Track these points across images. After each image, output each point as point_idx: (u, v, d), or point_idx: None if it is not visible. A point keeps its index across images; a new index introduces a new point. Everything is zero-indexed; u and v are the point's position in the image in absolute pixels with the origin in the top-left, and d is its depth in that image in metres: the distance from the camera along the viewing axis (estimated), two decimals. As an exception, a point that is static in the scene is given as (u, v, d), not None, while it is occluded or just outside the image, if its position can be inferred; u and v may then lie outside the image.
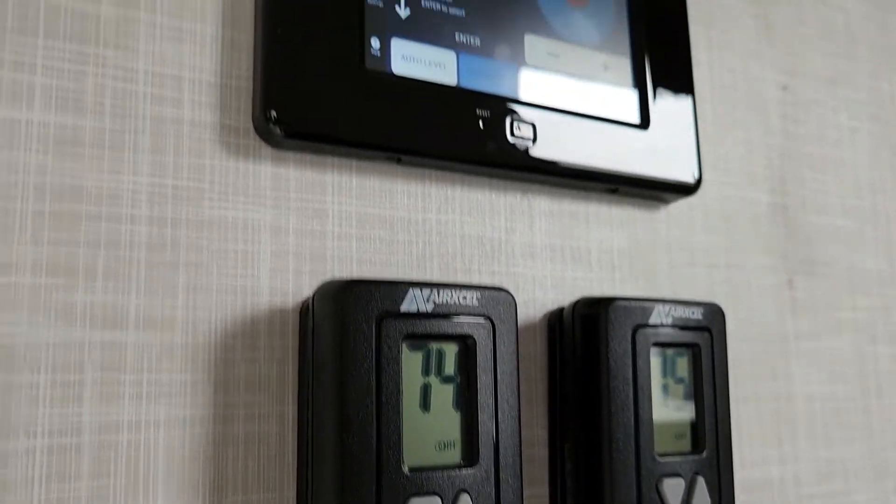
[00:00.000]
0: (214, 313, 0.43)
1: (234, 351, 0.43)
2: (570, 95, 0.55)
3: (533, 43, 0.54)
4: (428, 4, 0.50)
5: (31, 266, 0.39)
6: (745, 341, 0.63)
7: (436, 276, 0.49)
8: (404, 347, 0.41)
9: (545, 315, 0.53)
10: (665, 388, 0.51)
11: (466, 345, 0.43)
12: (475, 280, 0.51)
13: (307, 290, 0.45)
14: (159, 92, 0.43)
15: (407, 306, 0.41)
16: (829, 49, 0.75)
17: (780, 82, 0.70)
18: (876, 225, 0.74)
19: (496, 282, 0.52)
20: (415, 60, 0.49)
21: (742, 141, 0.66)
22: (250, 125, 0.45)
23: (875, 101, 0.77)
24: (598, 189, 0.56)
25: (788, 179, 0.69)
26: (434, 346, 0.42)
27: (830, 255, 0.70)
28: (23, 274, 0.38)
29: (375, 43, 0.48)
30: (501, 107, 0.51)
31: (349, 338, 0.40)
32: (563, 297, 0.54)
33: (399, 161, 0.49)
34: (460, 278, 0.50)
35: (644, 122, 0.57)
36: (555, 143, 0.52)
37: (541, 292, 0.53)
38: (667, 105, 0.59)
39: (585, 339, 0.50)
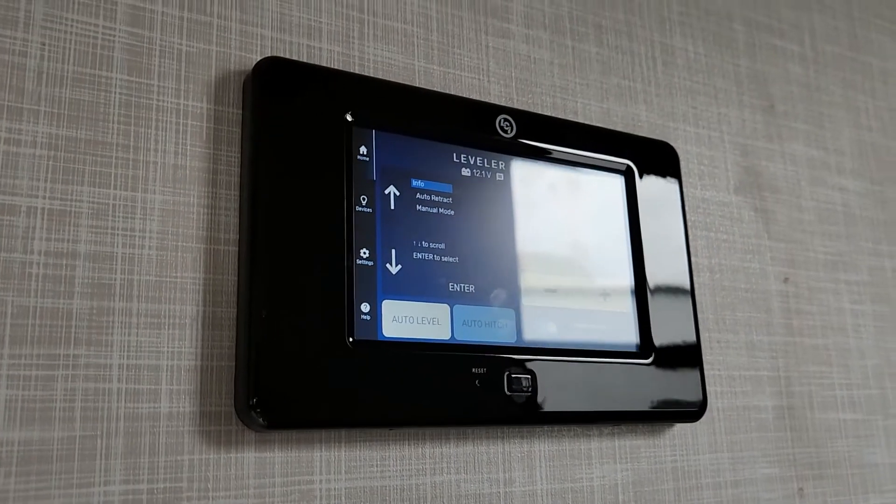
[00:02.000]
0: None
1: None
2: (568, 333, 0.52)
3: (528, 281, 0.52)
4: (420, 255, 0.48)
5: None
6: (756, 565, 0.59)
7: (431, 549, 0.46)
8: None
9: (547, 571, 0.50)
10: None
11: None
12: (473, 546, 0.48)
13: (293, 588, 0.42)
14: (134, 387, 0.40)
15: None
16: (829, 231, 0.73)
17: (782, 274, 0.68)
18: (886, 414, 0.71)
19: (495, 543, 0.48)
20: (407, 320, 0.46)
21: (745, 345, 0.64)
22: (232, 409, 0.42)
23: (877, 280, 0.75)
24: (600, 426, 0.54)
25: (793, 378, 0.66)
26: None
27: (839, 453, 0.67)
28: None
29: (365, 307, 0.45)
30: (498, 360, 0.48)
31: None
32: (566, 549, 0.51)
33: (391, 429, 0.46)
34: (457, 547, 0.47)
35: (646, 351, 0.55)
36: (554, 389, 0.50)
37: (542, 547, 0.50)
38: (668, 329, 0.56)
39: None
